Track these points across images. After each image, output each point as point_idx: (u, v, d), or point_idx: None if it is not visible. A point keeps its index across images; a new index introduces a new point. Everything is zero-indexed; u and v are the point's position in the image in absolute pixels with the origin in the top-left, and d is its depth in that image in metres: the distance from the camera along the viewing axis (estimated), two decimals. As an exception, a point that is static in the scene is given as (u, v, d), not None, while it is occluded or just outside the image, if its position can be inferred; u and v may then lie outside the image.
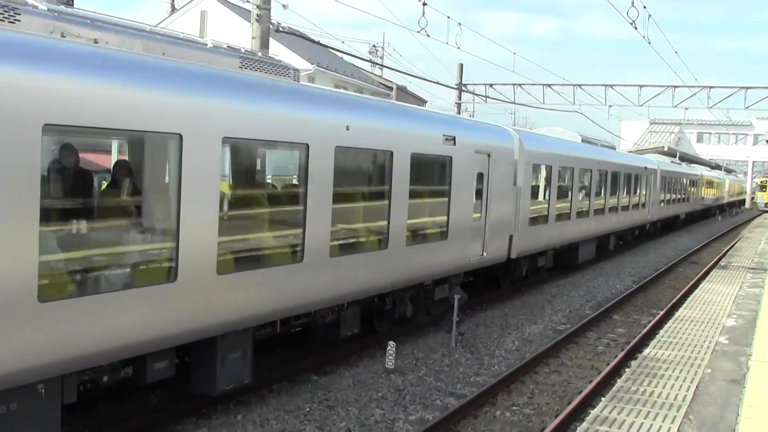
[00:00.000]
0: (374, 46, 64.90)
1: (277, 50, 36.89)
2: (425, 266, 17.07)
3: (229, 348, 11.90)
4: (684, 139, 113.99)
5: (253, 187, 13.22)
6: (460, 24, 33.84)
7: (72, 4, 13.75)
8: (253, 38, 19.94)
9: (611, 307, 23.32)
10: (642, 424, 10.28)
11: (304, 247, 12.86)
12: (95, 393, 12.27)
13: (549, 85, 48.80)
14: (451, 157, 17.64)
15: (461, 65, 45.27)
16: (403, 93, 55.87)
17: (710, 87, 46.98)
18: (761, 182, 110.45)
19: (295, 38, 28.12)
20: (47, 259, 8.82)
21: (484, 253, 19.97)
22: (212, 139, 10.68)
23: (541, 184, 25.54)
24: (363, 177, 16.00)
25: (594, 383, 14.70)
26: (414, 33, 28.92)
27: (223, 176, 11.40)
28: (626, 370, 14.35)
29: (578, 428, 10.14)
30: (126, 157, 10.79)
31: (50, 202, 8.88)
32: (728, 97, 47.38)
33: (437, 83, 40.40)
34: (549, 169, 25.72)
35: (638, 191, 40.41)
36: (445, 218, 17.78)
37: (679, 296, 25.43)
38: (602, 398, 12.03)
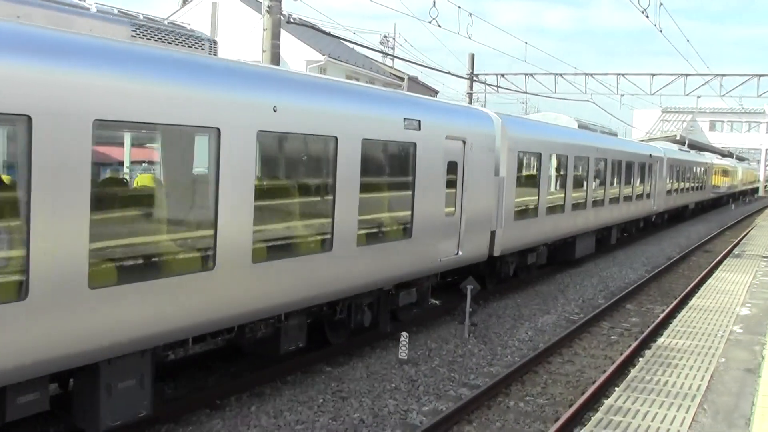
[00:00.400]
0: (385, 36, 64.74)
1: (288, 42, 36.91)
2: (383, 269, 15.01)
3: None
4: (696, 128, 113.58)
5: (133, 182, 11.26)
6: (471, 14, 33.77)
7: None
8: (264, 30, 19.92)
9: (624, 296, 23.27)
10: (656, 413, 10.25)
11: (216, 252, 10.85)
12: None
13: (561, 75, 48.70)
14: (414, 144, 15.61)
15: (472, 55, 45.15)
16: (415, 83, 55.79)
17: (722, 75, 46.83)
18: None
19: (306, 29, 28.10)
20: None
21: (460, 252, 17.96)
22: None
23: (529, 173, 23.11)
24: (297, 168, 13.49)
25: (608, 373, 14.68)
26: (425, 23, 28.83)
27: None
28: (640, 359, 14.33)
29: (592, 418, 10.12)
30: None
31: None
32: (741, 85, 47.22)
33: (449, 73, 40.25)
34: (538, 158, 23.34)
35: (642, 180, 38.00)
36: (408, 214, 15.74)
37: (692, 285, 25.36)
38: (616, 388, 12.01)
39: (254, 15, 39.11)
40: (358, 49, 49.67)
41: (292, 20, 21.37)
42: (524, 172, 22.50)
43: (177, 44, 11.21)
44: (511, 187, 20.98)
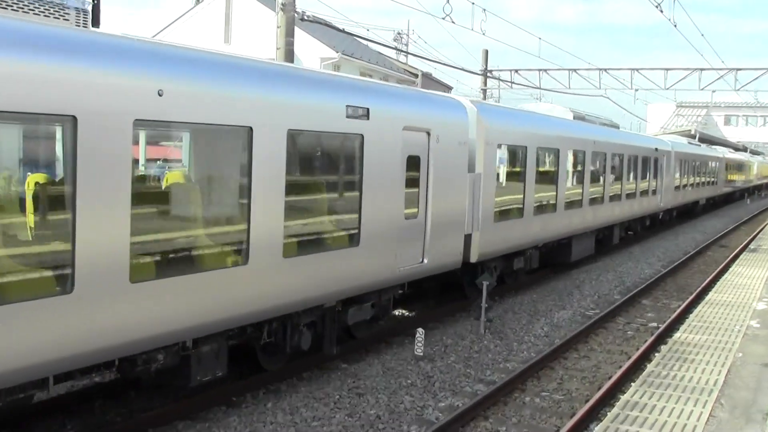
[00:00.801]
0: (399, 33, 64.76)
1: (302, 39, 36.95)
2: (321, 283, 12.82)
3: None
4: (711, 122, 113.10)
5: None
6: (484, 10, 33.73)
7: (99, 2, 13.78)
8: (278, 27, 19.95)
9: (640, 291, 23.21)
10: (673, 408, 10.24)
11: (74, 272, 8.80)
12: (126, 381, 12.42)
13: (574, 70, 48.60)
14: (361, 136, 13.57)
15: (486, 51, 45.16)
16: (429, 80, 55.76)
17: (737, 69, 46.62)
18: None
19: (320, 26, 28.12)
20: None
21: (425, 260, 15.99)
22: None
23: (512, 169, 20.99)
24: (193, 166, 11.31)
25: (624, 368, 14.65)
26: (439, 20, 28.78)
27: None
28: (656, 354, 14.30)
29: (608, 413, 10.11)
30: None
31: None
32: (756, 79, 46.99)
33: (462, 70, 40.32)
34: (523, 151, 21.06)
35: (648, 176, 35.72)
36: (354, 218, 13.69)
37: (708, 280, 25.28)
38: (632, 383, 12.00)
39: (268, 13, 39.19)
40: (371, 45, 49.74)
41: (305, 18, 21.37)
42: (506, 168, 20.51)
43: (29, 12, 9.41)
44: (490, 185, 18.84)
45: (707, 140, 70.71)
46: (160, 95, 9.61)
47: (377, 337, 16.15)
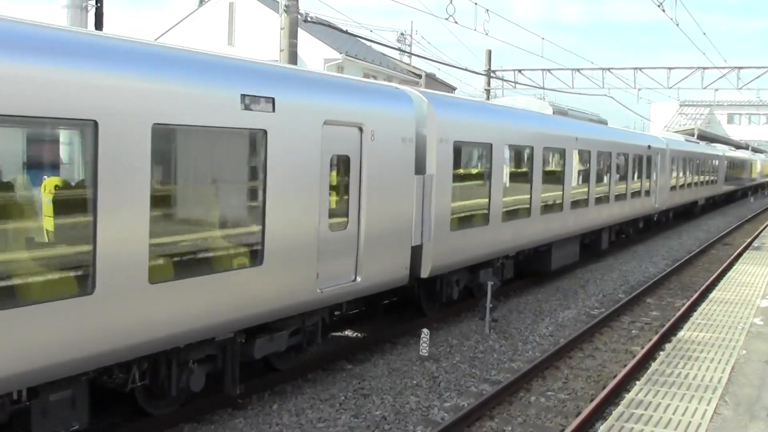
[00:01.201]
0: (402, 34, 64.78)
1: (306, 40, 36.99)
2: (209, 312, 10.64)
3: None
4: (714, 121, 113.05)
5: None
6: (487, 10, 33.76)
7: (102, 3, 13.87)
8: (281, 29, 20.00)
9: (645, 290, 23.23)
10: (678, 406, 10.27)
11: None
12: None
13: (578, 70, 48.62)
14: (264, 132, 11.33)
15: (489, 51, 45.17)
16: (432, 80, 55.79)
17: (740, 68, 46.62)
18: None
19: (324, 28, 28.17)
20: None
21: (358, 278, 13.84)
22: None
23: (474, 170, 18.81)
24: (7, 169, 8.76)
25: (629, 367, 14.68)
26: (442, 20, 28.79)
27: None
28: (661, 353, 14.33)
29: (614, 412, 10.14)
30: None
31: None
32: (758, 77, 46.99)
33: (466, 70, 40.27)
34: (487, 150, 18.63)
35: (640, 175, 33.45)
36: (256, 231, 11.42)
37: (712, 278, 25.28)
38: (637, 382, 12.01)
39: (271, 14, 39.26)
40: (375, 46, 49.75)
41: (309, 19, 21.42)
42: (466, 169, 18.28)
43: None
44: (444, 189, 16.60)
45: (708, 138, 70.29)
46: None
47: (382, 338, 16.18)
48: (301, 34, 23.79)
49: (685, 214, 47.94)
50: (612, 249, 31.80)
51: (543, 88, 49.28)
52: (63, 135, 9.32)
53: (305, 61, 38.22)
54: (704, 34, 56.24)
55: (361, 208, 13.87)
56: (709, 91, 51.32)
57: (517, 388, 13.72)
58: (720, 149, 62.55)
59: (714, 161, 55.88)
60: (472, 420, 12.11)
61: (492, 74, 45.63)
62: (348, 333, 17.13)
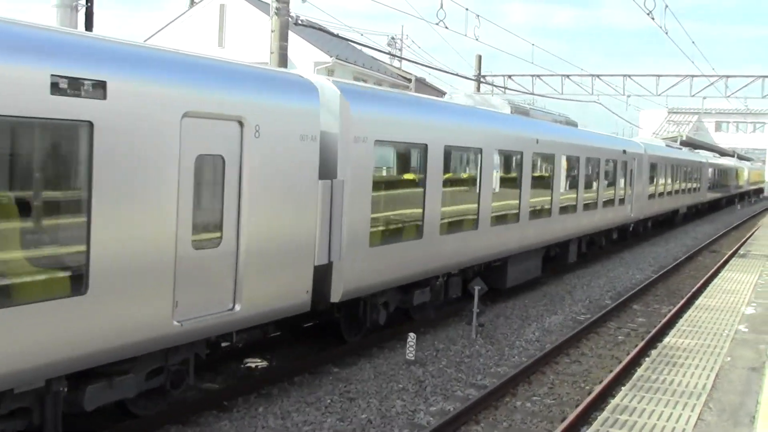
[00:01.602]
0: (393, 38, 64.87)
1: (296, 43, 37.02)
2: (9, 355, 8.37)
3: None
4: (702, 128, 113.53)
5: None
6: (478, 16, 33.84)
7: (92, 2, 13.87)
8: (272, 31, 20.02)
9: (631, 296, 23.32)
10: (662, 412, 10.31)
11: None
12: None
13: (567, 76, 48.84)
14: (90, 125, 9.00)
15: (479, 57, 45.27)
16: (422, 85, 55.87)
17: (728, 76, 46.94)
18: None
19: (314, 31, 28.21)
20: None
21: (237, 306, 11.36)
22: None
23: (403, 176, 16.45)
24: None
25: (614, 373, 14.73)
26: (432, 25, 28.85)
27: None
28: (646, 359, 14.39)
29: (599, 417, 10.18)
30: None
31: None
32: (746, 86, 47.30)
33: (456, 75, 40.39)
34: (421, 152, 16.23)
35: (613, 182, 30.97)
36: (78, 250, 9.10)
37: (698, 285, 25.38)
38: (622, 387, 12.07)
39: (262, 16, 39.26)
40: (365, 50, 49.82)
41: (299, 22, 21.45)
42: (391, 174, 16.06)
43: None
44: (361, 197, 14.18)
45: (693, 145, 69.90)
46: None
47: (369, 342, 16.20)
48: (292, 36, 23.82)
49: (664, 224, 46.22)
50: (599, 256, 31.87)
51: (533, 93, 49.43)
52: None
53: (295, 64, 38.24)
54: (693, 42, 56.54)
55: (241, 220, 11.35)
56: (697, 99, 51.64)
57: (503, 392, 13.75)
58: (703, 156, 60.77)
59: (697, 168, 53.98)
60: (458, 424, 12.12)
61: (482, 79, 45.73)
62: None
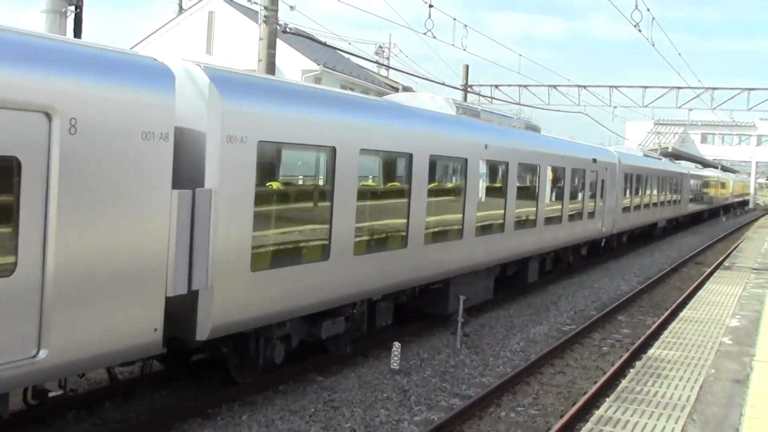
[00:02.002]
0: (380, 47, 65.01)
1: (284, 51, 37.05)
2: None
3: None
4: (688, 140, 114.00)
5: None
6: (466, 26, 33.92)
7: (81, 8, 13.83)
8: (260, 39, 20.01)
9: (616, 307, 23.36)
10: (646, 424, 10.33)
11: None
12: (102, 391, 12.40)
13: (554, 86, 48.95)
14: None
15: (467, 66, 45.41)
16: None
17: (714, 88, 47.15)
18: None
19: (302, 39, 28.22)
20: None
21: (42, 352, 8.83)
22: None
23: (300, 184, 13.92)
24: None
25: (599, 384, 14.75)
26: (420, 35, 28.90)
27: None
28: (630, 370, 14.41)
29: (583, 429, 10.19)
30: None
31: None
32: (732, 98, 47.57)
33: (443, 84, 40.37)
34: (328, 156, 13.54)
35: (582, 194, 28.45)
36: None
37: (683, 297, 25.46)
38: (607, 399, 12.08)
39: (250, 24, 39.27)
40: (353, 59, 49.86)
41: (288, 30, 21.44)
42: (285, 182, 13.18)
43: None
44: (239, 211, 11.49)
45: (676, 155, 69.51)
46: None
47: (354, 351, 16.18)
48: (280, 44, 23.83)
49: (642, 237, 44.48)
50: (584, 266, 31.91)
51: (519, 104, 49.55)
52: None
53: (283, 72, 38.23)
54: (679, 54, 56.45)
55: (48, 241, 8.79)
56: (683, 111, 51.82)
57: (487, 403, 13.75)
58: (685, 166, 58.60)
59: (677, 179, 51.84)
60: (442, 434, 12.13)
61: (469, 89, 45.84)
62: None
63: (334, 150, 13.54)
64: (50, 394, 9.93)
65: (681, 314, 18.71)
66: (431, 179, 17.09)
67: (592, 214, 29.92)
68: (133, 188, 9.81)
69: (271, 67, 19.97)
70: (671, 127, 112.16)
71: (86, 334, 9.33)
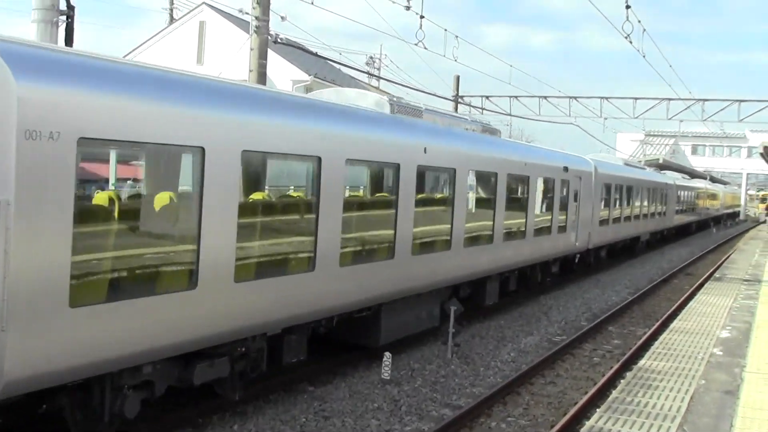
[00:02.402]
0: (371, 57, 65.12)
1: (275, 61, 37.06)
2: None
3: None
4: (679, 151, 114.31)
5: None
6: (457, 37, 33.97)
7: (73, 18, 13.83)
8: (251, 49, 20.04)
9: (607, 318, 23.37)
10: (636, 434, 10.34)
11: None
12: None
13: (545, 97, 48.99)
14: None
15: (458, 77, 45.50)
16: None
17: (704, 100, 47.25)
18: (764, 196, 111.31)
19: (293, 49, 28.25)
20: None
21: None
22: None
23: (148, 194, 11.09)
24: None
25: (589, 394, 14.76)
26: (411, 45, 28.95)
27: None
28: (621, 381, 14.42)
29: (573, 439, 10.20)
30: None
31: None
32: (722, 110, 47.67)
33: (434, 95, 40.45)
34: (195, 159, 10.74)
35: (551, 206, 25.85)
36: None
37: (674, 308, 25.49)
38: (597, 409, 12.09)
39: (242, 34, 39.27)
40: (344, 69, 49.90)
41: (279, 40, 21.48)
42: (115, 193, 10.59)
43: None
44: (49, 228, 8.74)
45: (666, 167, 68.93)
46: None
47: (344, 361, 16.15)
48: (271, 55, 23.84)
49: (624, 251, 41.64)
50: (575, 277, 31.91)
51: (510, 114, 49.63)
52: None
53: (274, 82, 38.25)
54: (670, 66, 56.77)
55: None
56: (674, 122, 51.98)
57: (478, 413, 13.74)
58: (670, 177, 56.03)
59: (662, 190, 49.40)
60: (433, 444, 12.11)
61: (460, 100, 45.91)
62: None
63: (202, 151, 10.64)
64: None
65: (671, 325, 18.74)
66: (348, 188, 14.64)
67: (563, 228, 27.30)
68: None
69: (262, 78, 20.00)
70: (662, 138, 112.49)
71: None
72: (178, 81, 10.87)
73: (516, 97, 49.03)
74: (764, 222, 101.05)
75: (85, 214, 9.33)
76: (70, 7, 15.15)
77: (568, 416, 13.37)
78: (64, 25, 16.18)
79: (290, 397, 13.91)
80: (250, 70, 20.10)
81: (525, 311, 23.97)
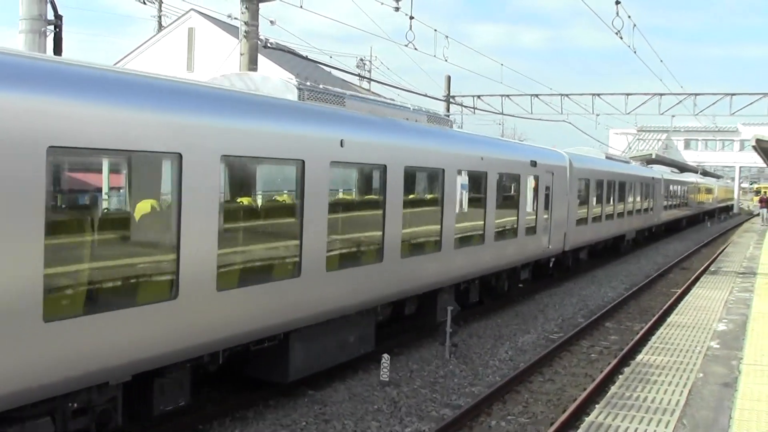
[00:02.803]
0: (362, 59, 65.13)
1: (266, 66, 37.05)
2: None
3: None
4: (672, 146, 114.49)
5: None
6: (447, 37, 34.04)
7: (61, 28, 13.82)
8: (241, 54, 20.05)
9: (604, 314, 23.41)
10: (636, 429, 10.34)
11: None
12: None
13: (537, 95, 49.14)
14: None
15: (449, 77, 45.57)
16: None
17: (696, 94, 47.45)
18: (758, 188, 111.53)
19: (284, 53, 28.26)
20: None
21: None
22: None
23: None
24: None
25: (588, 391, 14.78)
26: (402, 47, 28.95)
27: None
28: (619, 376, 14.42)
29: (573, 435, 10.22)
30: None
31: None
32: (714, 103, 47.90)
33: (425, 95, 40.48)
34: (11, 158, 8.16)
35: (516, 205, 22.89)
36: None
37: (670, 302, 25.52)
38: (596, 405, 12.09)
39: (231, 40, 39.26)
40: (335, 72, 49.93)
41: (269, 45, 21.50)
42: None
43: None
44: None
45: (653, 161, 68.37)
46: None
47: (343, 364, 16.15)
48: (261, 59, 23.85)
49: (609, 251, 39.24)
50: (571, 274, 31.91)
51: (502, 113, 49.71)
52: None
53: (265, 87, 38.24)
54: (661, 61, 57.07)
55: None
56: (666, 117, 52.11)
57: (477, 412, 13.76)
58: (657, 171, 52.82)
59: (648, 185, 46.07)
60: (433, 445, 12.12)
61: (451, 100, 45.96)
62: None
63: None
64: None
65: (668, 320, 18.74)
66: (235, 192, 12.32)
67: (532, 230, 24.35)
68: None
69: (253, 82, 20.00)
70: (655, 133, 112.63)
71: None
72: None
73: (507, 95, 49.15)
74: (758, 215, 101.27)
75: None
76: (58, 17, 15.13)
77: (567, 413, 13.39)
78: (52, 35, 16.18)
79: (290, 401, 13.92)
80: (241, 76, 20.09)
81: (521, 309, 23.99)
